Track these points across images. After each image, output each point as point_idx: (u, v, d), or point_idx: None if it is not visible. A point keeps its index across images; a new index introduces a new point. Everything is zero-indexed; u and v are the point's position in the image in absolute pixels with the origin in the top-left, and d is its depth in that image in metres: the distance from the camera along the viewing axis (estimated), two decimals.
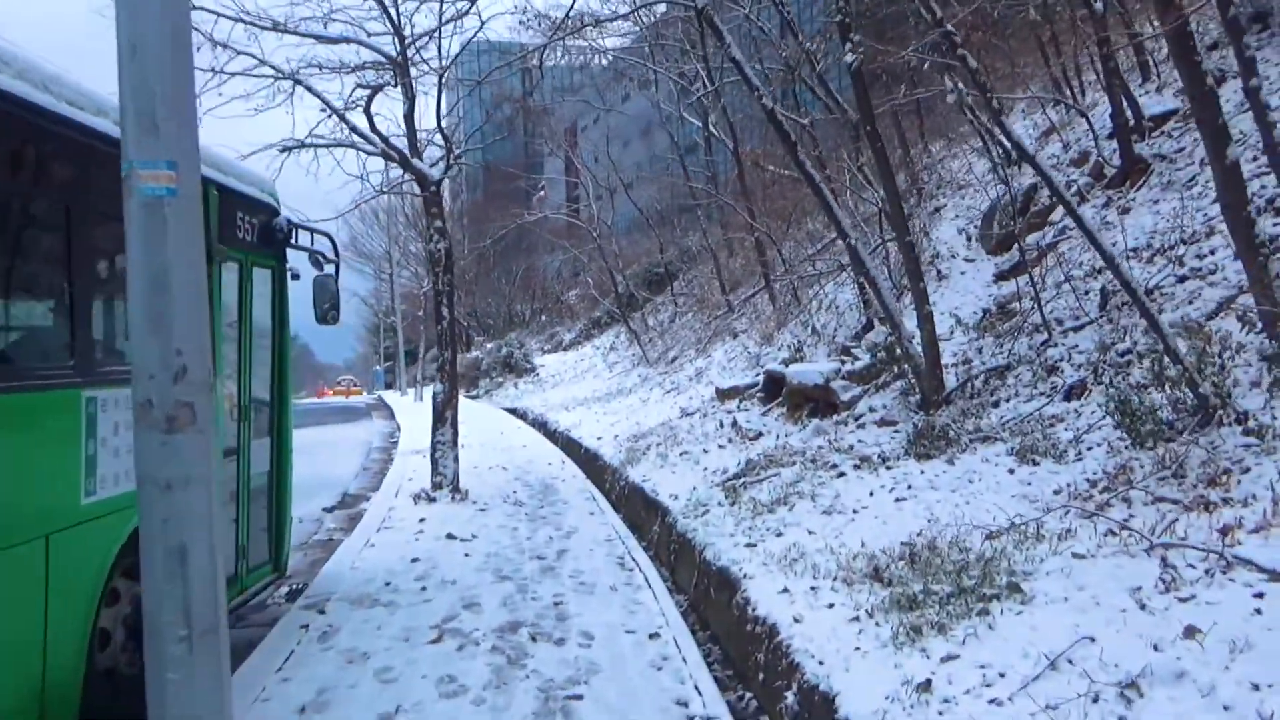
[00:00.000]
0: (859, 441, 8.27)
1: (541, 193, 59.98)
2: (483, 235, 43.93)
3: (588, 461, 12.51)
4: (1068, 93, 13.66)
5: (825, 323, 13.59)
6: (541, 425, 17.74)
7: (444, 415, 9.21)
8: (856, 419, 9.18)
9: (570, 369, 27.38)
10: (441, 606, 5.86)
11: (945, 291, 11.28)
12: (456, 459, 9.26)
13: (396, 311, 31.64)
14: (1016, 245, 11.08)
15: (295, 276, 6.34)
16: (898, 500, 6.22)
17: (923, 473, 6.60)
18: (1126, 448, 5.52)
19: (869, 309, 12.31)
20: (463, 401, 28.32)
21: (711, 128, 22.25)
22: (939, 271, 11.75)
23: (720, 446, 9.92)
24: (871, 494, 6.55)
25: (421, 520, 8.36)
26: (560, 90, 35.08)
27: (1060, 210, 10.80)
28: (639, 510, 9.05)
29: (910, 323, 8.89)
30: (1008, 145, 12.78)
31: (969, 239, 12.56)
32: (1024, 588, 4.08)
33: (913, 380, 8.77)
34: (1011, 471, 6.03)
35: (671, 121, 24.75)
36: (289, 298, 6.27)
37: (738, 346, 16.93)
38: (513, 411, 21.51)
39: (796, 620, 4.54)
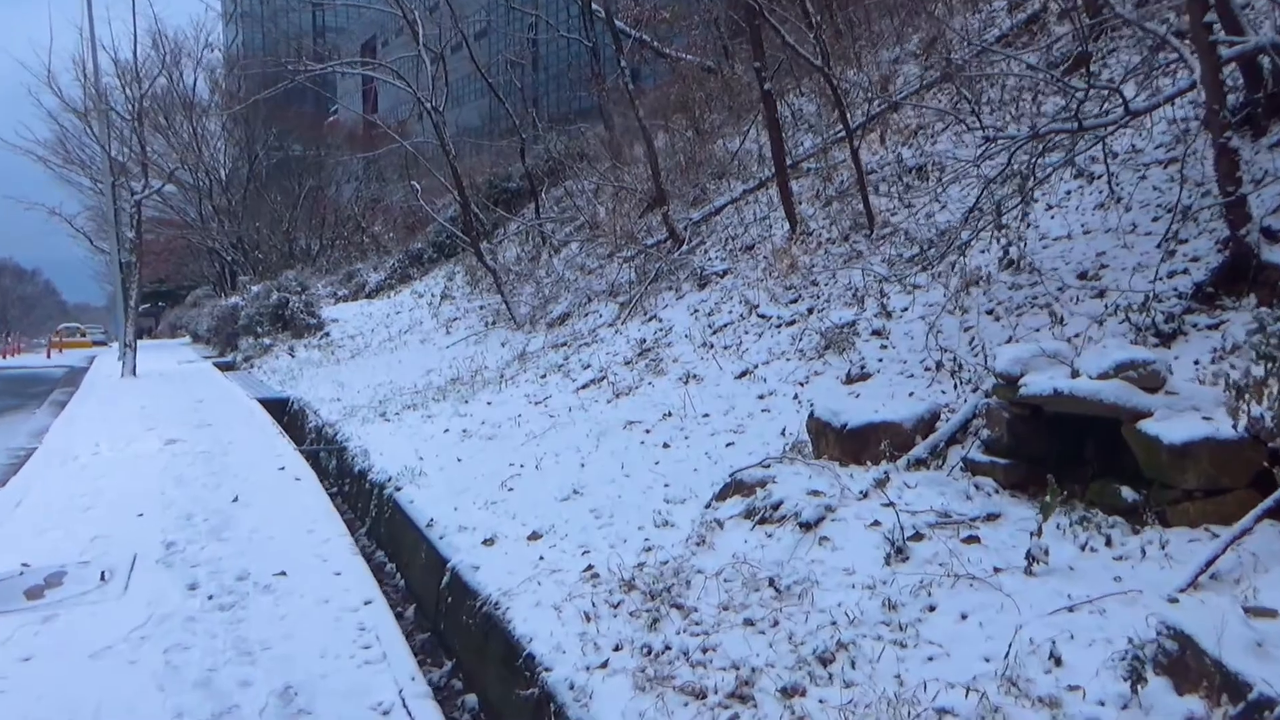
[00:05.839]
0: None
1: (335, 115, 48.34)
2: (257, 140, 32.84)
3: None
4: None
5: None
6: (332, 451, 8.85)
7: None
8: None
9: (380, 326, 18.12)
10: None
11: None
12: None
13: (117, 235, 20.61)
14: None
15: None
16: None
17: None
18: None
19: (1238, 228, 4.53)
20: (208, 378, 18.01)
21: None
22: None
23: None
24: None
25: None
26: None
27: None
28: None
29: None
30: None
31: None
32: None
33: None
34: None
35: None
36: None
37: (733, 305, 8.81)
38: (282, 407, 12.22)
39: None
